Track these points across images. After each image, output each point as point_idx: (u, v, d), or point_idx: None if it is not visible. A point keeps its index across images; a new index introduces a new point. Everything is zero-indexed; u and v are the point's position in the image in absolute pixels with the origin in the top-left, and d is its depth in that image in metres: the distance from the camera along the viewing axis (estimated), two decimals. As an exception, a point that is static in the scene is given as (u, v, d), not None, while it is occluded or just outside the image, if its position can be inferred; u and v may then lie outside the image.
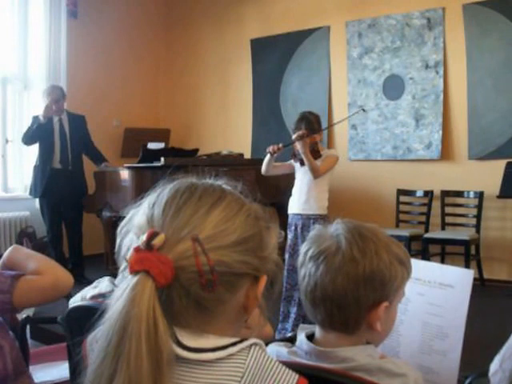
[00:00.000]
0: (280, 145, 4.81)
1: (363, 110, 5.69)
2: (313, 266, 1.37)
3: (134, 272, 0.94)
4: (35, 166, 6.67)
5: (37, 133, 6.46)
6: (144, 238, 0.95)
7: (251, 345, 1.02)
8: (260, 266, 1.05)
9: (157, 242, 0.95)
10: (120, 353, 0.91)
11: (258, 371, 0.98)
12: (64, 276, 1.96)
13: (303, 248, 1.43)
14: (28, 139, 6.59)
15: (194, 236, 0.96)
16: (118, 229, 1.80)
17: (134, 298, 0.92)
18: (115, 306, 0.94)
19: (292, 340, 1.50)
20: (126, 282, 0.95)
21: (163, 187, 1.09)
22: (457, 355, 1.68)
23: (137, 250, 0.95)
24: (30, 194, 6.79)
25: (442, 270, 1.79)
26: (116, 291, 0.97)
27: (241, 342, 1.01)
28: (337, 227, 1.41)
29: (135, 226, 1.04)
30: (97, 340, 1.09)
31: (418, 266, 1.70)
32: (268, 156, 4.83)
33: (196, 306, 0.99)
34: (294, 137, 4.66)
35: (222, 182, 1.10)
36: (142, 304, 0.92)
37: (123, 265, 1.02)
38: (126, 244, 1.06)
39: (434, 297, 1.74)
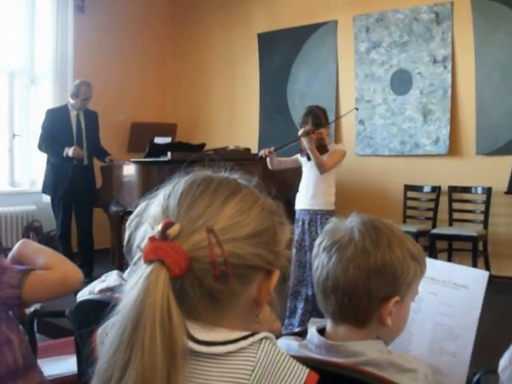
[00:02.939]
0: (271, 148, 4.88)
1: (356, 109, 5.70)
2: (326, 256, 1.38)
3: (148, 261, 0.94)
4: (51, 163, 6.62)
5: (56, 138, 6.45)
6: (159, 227, 0.95)
7: (262, 338, 1.02)
8: (273, 261, 1.05)
9: (172, 231, 0.95)
10: (134, 341, 0.91)
11: (268, 365, 0.98)
12: (73, 271, 1.96)
13: (318, 240, 1.44)
14: (48, 147, 6.56)
15: (209, 227, 0.96)
16: (128, 222, 1.81)
17: (148, 286, 0.92)
18: (129, 295, 0.94)
19: (301, 334, 1.50)
20: (140, 270, 0.95)
21: (179, 179, 1.08)
22: (467, 357, 1.66)
23: (152, 239, 0.95)
24: (44, 191, 6.75)
25: (457, 270, 1.76)
26: (130, 280, 0.97)
27: (252, 335, 1.01)
28: (352, 220, 1.42)
29: (150, 216, 1.04)
30: (107, 332, 1.10)
31: (434, 265, 1.70)
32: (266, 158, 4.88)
33: (208, 298, 0.99)
34: (300, 133, 4.65)
35: (237, 176, 1.10)
36: (157, 293, 0.92)
37: (137, 255, 1.01)
38: (140, 235, 1.05)
39: (447, 297, 1.72)
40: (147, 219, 1.05)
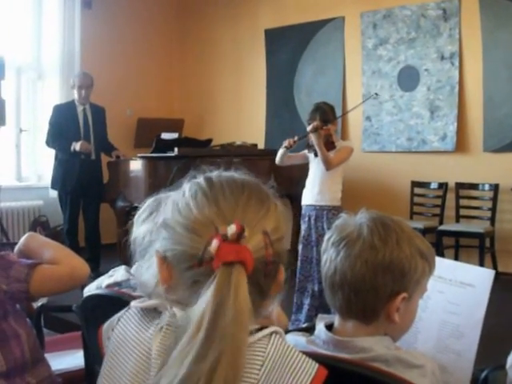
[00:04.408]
0: (295, 138, 4.83)
1: (376, 94, 5.61)
2: (334, 251, 1.38)
3: (227, 262, 0.98)
4: (59, 159, 6.62)
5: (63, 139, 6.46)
6: (234, 229, 0.98)
7: (271, 333, 1.04)
8: (285, 257, 1.12)
9: (246, 234, 0.99)
10: (223, 336, 0.94)
11: (278, 359, 1.00)
12: (80, 265, 1.97)
13: (327, 235, 1.45)
14: (55, 142, 6.58)
15: (265, 230, 1.04)
16: (136, 217, 1.81)
17: (238, 286, 0.97)
18: (211, 296, 0.97)
19: (308, 330, 1.50)
20: (221, 273, 0.98)
21: (206, 178, 1.12)
22: (471, 356, 1.65)
23: (224, 241, 0.99)
24: (52, 187, 6.74)
25: (464, 268, 1.76)
26: (207, 285, 0.99)
27: (261, 329, 1.03)
28: (361, 216, 1.42)
29: (186, 216, 1.06)
30: (113, 328, 1.15)
31: (441, 263, 1.69)
32: (283, 149, 4.84)
33: (257, 293, 1.04)
34: (308, 129, 4.65)
35: (256, 181, 1.15)
36: (244, 292, 0.98)
37: (148, 251, 1.05)
38: (165, 236, 1.08)
39: (453, 295, 1.72)
40: (178, 220, 1.06)
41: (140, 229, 1.70)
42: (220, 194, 1.06)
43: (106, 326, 1.19)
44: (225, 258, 0.97)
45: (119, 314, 1.17)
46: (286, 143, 4.82)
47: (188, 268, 1.02)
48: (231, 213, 1.03)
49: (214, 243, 0.98)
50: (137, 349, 1.07)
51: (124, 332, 1.12)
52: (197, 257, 1.00)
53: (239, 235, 0.98)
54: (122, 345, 1.11)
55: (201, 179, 1.11)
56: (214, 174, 1.13)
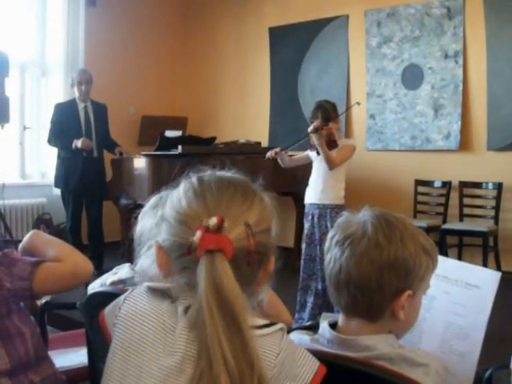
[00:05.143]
0: (278, 149, 5.00)
1: (357, 103, 5.63)
2: (338, 250, 1.39)
3: (207, 251, 1.09)
4: (61, 157, 6.62)
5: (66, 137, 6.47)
6: (215, 221, 1.09)
7: (281, 329, 1.14)
8: (273, 247, 1.23)
9: (226, 225, 1.10)
10: (232, 324, 1.05)
11: (289, 353, 1.11)
12: (84, 263, 1.97)
13: (330, 234, 1.45)
14: (57, 140, 6.59)
15: (247, 222, 1.13)
16: (140, 214, 1.82)
17: (219, 273, 1.07)
18: (202, 282, 1.08)
19: (312, 328, 1.50)
20: (205, 260, 1.09)
21: (198, 177, 1.24)
22: (475, 358, 1.64)
23: (205, 231, 1.09)
24: (56, 185, 6.74)
25: (470, 269, 1.75)
26: (198, 272, 1.10)
27: (272, 324, 1.14)
28: (364, 214, 1.42)
29: (180, 211, 1.18)
30: (116, 314, 1.21)
31: (446, 264, 1.69)
32: (270, 157, 5.01)
33: (243, 280, 1.12)
34: (309, 129, 4.64)
35: (244, 178, 1.27)
36: (229, 277, 1.08)
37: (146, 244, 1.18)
38: (149, 229, 1.24)
39: (458, 296, 1.71)
40: (172, 214, 1.19)
41: (144, 222, 1.72)
42: (207, 190, 1.18)
43: (108, 309, 1.27)
44: (206, 246, 1.08)
45: (123, 296, 1.24)
46: (268, 154, 5.02)
47: (180, 256, 1.14)
48: (215, 207, 1.14)
49: (198, 233, 1.09)
50: (154, 318, 1.15)
51: (135, 306, 1.19)
52: (186, 245, 1.11)
53: (219, 226, 1.09)
54: (136, 315, 1.18)
55: (194, 178, 1.23)
56: (207, 173, 1.25)
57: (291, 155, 5.27)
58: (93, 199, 6.68)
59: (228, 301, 1.05)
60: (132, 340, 1.14)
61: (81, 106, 6.59)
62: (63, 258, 1.92)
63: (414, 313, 1.44)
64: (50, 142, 6.61)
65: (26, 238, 2.02)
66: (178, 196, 1.21)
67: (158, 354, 1.11)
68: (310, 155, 4.89)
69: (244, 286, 1.11)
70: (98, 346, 1.76)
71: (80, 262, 1.96)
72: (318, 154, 4.69)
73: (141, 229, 1.70)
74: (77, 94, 6.60)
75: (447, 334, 1.71)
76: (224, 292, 1.06)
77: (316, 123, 4.59)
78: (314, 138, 4.59)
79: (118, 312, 1.20)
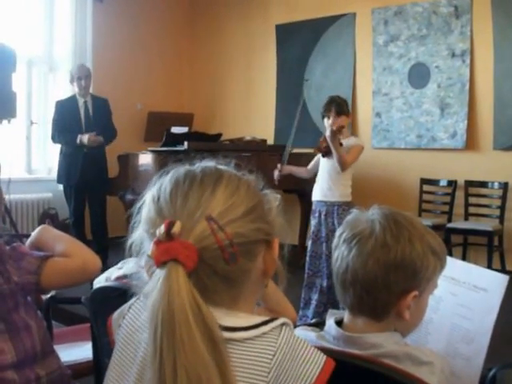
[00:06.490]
0: (278, 166, 5.21)
1: (306, 81, 5.62)
2: (346, 248, 1.38)
3: (161, 263, 0.98)
4: (63, 153, 6.62)
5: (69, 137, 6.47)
6: (162, 229, 0.98)
7: (282, 324, 1.05)
8: (270, 230, 1.10)
9: (176, 229, 0.98)
10: (174, 343, 0.93)
11: (288, 350, 1.02)
12: (92, 259, 1.97)
13: (338, 231, 1.45)
14: (61, 137, 6.58)
15: (208, 215, 1.01)
16: (132, 222, 1.82)
17: (171, 287, 0.96)
18: (152, 301, 0.97)
19: (317, 325, 1.50)
20: (156, 275, 0.99)
21: (160, 181, 1.12)
22: (480, 362, 1.64)
23: (157, 242, 0.99)
24: (58, 181, 6.74)
25: (478, 271, 1.74)
26: (147, 287, 1.01)
27: (272, 320, 1.05)
28: (373, 212, 1.42)
29: (145, 221, 1.09)
30: (123, 316, 1.17)
31: (454, 265, 1.68)
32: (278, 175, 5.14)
33: (225, 281, 1.03)
34: (327, 135, 4.60)
35: (213, 163, 1.15)
36: (182, 291, 0.96)
37: (145, 262, 1.07)
38: (136, 241, 1.12)
39: (466, 298, 1.70)
40: (141, 225, 1.10)
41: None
42: (162, 193, 1.08)
43: (116, 314, 1.21)
44: (158, 259, 0.98)
45: (130, 302, 1.20)
46: (275, 178, 5.13)
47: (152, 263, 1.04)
48: (168, 210, 1.05)
49: (151, 246, 1.00)
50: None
51: (135, 320, 1.14)
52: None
53: (167, 233, 0.98)
54: (132, 335, 1.13)
55: (157, 182, 1.13)
56: (170, 172, 1.13)
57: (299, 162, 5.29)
58: (95, 194, 6.69)
59: (174, 321, 0.93)
60: (125, 357, 1.12)
61: (81, 101, 6.58)
62: (72, 253, 1.93)
63: (420, 313, 1.44)
64: (53, 139, 6.60)
65: (34, 233, 2.03)
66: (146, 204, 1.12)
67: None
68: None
69: (226, 289, 1.04)
70: (103, 341, 1.77)
71: (89, 258, 1.96)
72: (323, 156, 4.80)
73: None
74: (76, 90, 6.58)
75: (453, 336, 1.70)
76: (170, 311, 0.94)
77: (333, 128, 4.58)
78: (329, 142, 4.59)
79: (122, 321, 1.17)
